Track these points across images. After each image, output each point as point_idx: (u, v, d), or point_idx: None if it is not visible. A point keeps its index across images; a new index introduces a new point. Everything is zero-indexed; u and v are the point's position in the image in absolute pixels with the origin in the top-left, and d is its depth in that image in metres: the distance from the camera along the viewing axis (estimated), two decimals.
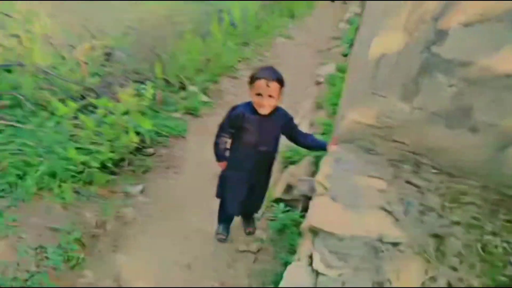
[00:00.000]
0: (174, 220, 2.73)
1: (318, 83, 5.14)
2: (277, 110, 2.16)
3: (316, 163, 3.09)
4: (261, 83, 1.99)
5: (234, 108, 2.24)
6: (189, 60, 4.79)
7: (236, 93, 4.88)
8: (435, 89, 1.89)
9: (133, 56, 4.40)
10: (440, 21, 1.74)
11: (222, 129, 2.30)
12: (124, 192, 2.87)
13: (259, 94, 2.02)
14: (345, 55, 6.56)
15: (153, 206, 2.83)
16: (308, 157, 3.12)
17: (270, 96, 2.02)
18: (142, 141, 3.41)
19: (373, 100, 2.02)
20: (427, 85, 1.89)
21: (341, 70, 5.43)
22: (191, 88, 4.46)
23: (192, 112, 4.15)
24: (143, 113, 3.63)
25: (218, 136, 2.33)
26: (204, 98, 4.45)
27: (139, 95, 3.75)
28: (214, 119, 4.16)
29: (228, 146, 2.34)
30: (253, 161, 2.25)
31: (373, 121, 2.08)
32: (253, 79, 2.03)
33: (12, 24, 3.91)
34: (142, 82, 3.91)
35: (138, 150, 3.40)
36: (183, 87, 4.51)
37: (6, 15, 3.79)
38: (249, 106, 2.13)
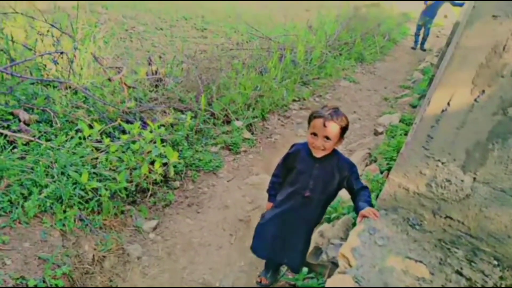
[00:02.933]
0: (180, 265, 2.53)
1: (378, 133, 4.77)
2: (334, 154, 2.01)
3: (355, 225, 2.73)
4: (318, 122, 1.87)
5: (292, 146, 2.15)
6: (240, 94, 4.75)
7: (283, 133, 4.70)
8: (506, 161, 1.53)
9: (183, 85, 4.47)
10: None
11: (278, 166, 2.25)
12: (135, 226, 2.75)
13: (314, 134, 1.91)
14: (414, 106, 6.12)
15: (162, 247, 2.66)
16: (348, 216, 2.77)
17: (326, 137, 1.87)
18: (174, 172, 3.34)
19: (427, 165, 1.70)
20: (497, 154, 1.54)
21: (406, 121, 5.03)
22: (236, 122, 4.38)
23: (231, 147, 4.03)
24: (177, 143, 3.59)
25: (274, 174, 2.28)
26: (247, 134, 4.33)
27: (177, 124, 3.75)
28: (253, 157, 4.01)
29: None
30: (292, 203, 2.10)
31: (424, 190, 1.75)
32: (311, 117, 1.94)
33: (65, 42, 4.20)
34: (182, 112, 3.90)
35: (165, 182, 3.32)
36: (228, 121, 4.44)
37: (63, 32, 4.06)
38: (307, 146, 2.01)
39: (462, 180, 1.66)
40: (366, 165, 3.77)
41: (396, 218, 1.83)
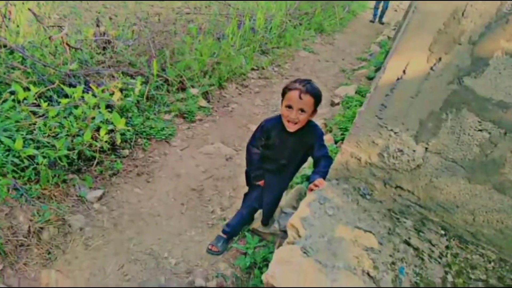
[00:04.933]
0: (127, 236, 2.39)
1: (334, 104, 4.76)
2: (309, 125, 2.00)
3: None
4: (293, 94, 1.85)
5: (265, 122, 2.13)
6: (196, 60, 4.51)
7: (241, 102, 4.56)
8: (459, 132, 1.51)
9: (133, 48, 4.15)
10: (480, 45, 1.36)
11: (252, 144, 2.21)
12: (78, 196, 2.55)
13: (289, 106, 1.88)
14: (370, 78, 6.17)
15: (107, 217, 2.50)
16: (301, 185, 2.74)
17: (301, 109, 1.87)
18: (122, 140, 3.12)
19: (379, 134, 1.65)
20: (450, 125, 1.51)
21: (361, 93, 5.05)
22: (191, 90, 4.16)
23: (185, 115, 3.84)
24: (126, 110, 3.35)
25: (250, 152, 2.24)
26: (203, 102, 4.15)
27: (127, 89, 3.49)
28: (208, 126, 3.86)
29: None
30: (268, 168, 2.22)
31: (375, 159, 1.71)
32: (286, 90, 1.90)
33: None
34: (132, 77, 3.63)
35: (113, 150, 3.10)
36: (183, 88, 4.22)
37: None
38: (280, 120, 2.00)
39: (414, 150, 1.63)
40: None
41: (347, 188, 1.79)
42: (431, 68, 1.49)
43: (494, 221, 1.57)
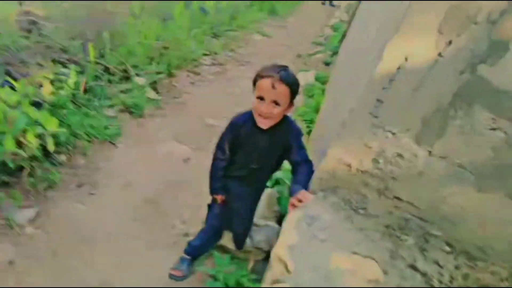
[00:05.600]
0: (69, 267, 1.96)
1: None
2: (284, 121, 1.68)
3: (281, 201, 2.42)
4: (265, 82, 1.53)
5: (234, 118, 1.78)
6: (140, 44, 4.01)
7: (194, 92, 4.15)
8: (469, 132, 1.27)
9: (66, 31, 3.56)
10: (501, 25, 1.11)
11: (219, 147, 1.83)
12: (4, 218, 2.06)
13: (260, 98, 1.56)
14: (327, 64, 6.00)
15: (44, 244, 2.04)
16: (272, 190, 2.44)
17: (274, 101, 1.55)
18: (56, 144, 2.62)
19: (374, 136, 1.37)
20: (460, 123, 1.26)
21: (322, 80, 4.84)
22: (137, 79, 3.68)
23: (132, 110, 3.37)
24: (60, 106, 2.83)
25: (215, 157, 1.86)
26: (152, 94, 3.69)
27: (59, 81, 2.96)
28: (160, 121, 3.43)
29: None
30: (238, 175, 1.85)
31: (369, 166, 1.44)
32: (257, 78, 1.58)
33: None
34: (65, 65, 3.09)
35: (47, 157, 2.60)
36: (127, 78, 3.72)
37: None
38: (251, 116, 1.67)
39: (415, 155, 1.38)
40: None
41: (337, 202, 1.51)
42: (439, 54, 1.22)
43: (506, 234, 1.38)
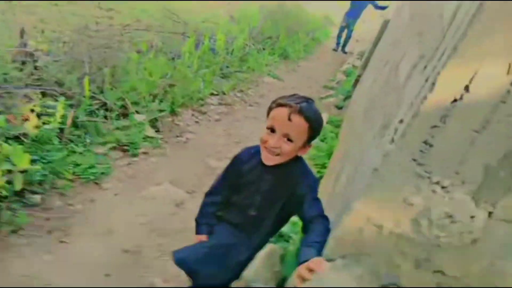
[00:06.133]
0: None
1: None
2: (296, 163, 1.37)
3: (285, 259, 2.01)
4: (280, 112, 1.25)
5: (239, 152, 1.51)
6: (144, 81, 3.80)
7: (198, 131, 3.86)
8: None
9: (63, 64, 3.37)
10: None
11: (217, 180, 1.56)
12: None
13: (271, 129, 1.28)
14: (339, 108, 5.75)
15: None
16: (273, 246, 2.04)
17: (287, 137, 1.25)
18: (30, 183, 2.31)
19: (417, 189, 1.02)
20: None
21: (335, 123, 4.55)
22: (136, 116, 3.42)
23: (126, 148, 3.07)
24: (43, 141, 2.54)
25: (209, 190, 1.58)
26: (150, 131, 3.41)
27: (48, 114, 2.70)
28: (156, 161, 3.11)
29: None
30: (232, 221, 1.50)
31: (407, 229, 1.07)
32: (272, 106, 1.31)
33: None
34: (57, 99, 2.85)
35: (21, 196, 2.27)
36: (125, 114, 3.46)
37: None
38: (258, 151, 1.39)
39: (472, 216, 1.01)
40: None
41: (361, 274, 1.13)
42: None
43: None
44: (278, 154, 1.28)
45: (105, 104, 3.36)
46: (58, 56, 3.55)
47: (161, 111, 3.74)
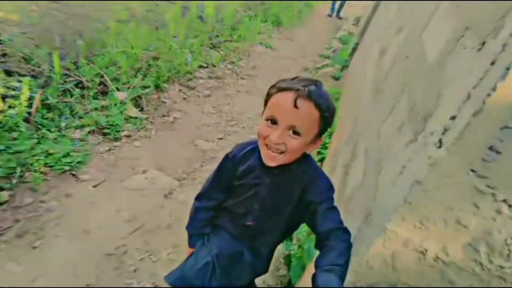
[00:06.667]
0: None
1: None
2: (304, 163, 1.10)
3: (291, 263, 1.78)
4: (283, 98, 0.97)
5: (233, 150, 1.21)
6: (124, 54, 3.44)
7: (186, 109, 3.55)
8: None
9: (31, 36, 2.99)
10: None
11: (207, 184, 1.28)
12: None
13: (272, 121, 1.00)
14: (336, 78, 5.45)
15: None
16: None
17: (292, 128, 0.98)
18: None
19: (476, 207, 0.77)
20: None
21: (333, 96, 4.24)
22: (117, 94, 3.09)
23: (106, 131, 2.76)
24: (9, 129, 2.23)
25: (198, 196, 1.31)
26: (133, 111, 3.09)
27: (14, 97, 2.37)
28: (141, 145, 2.82)
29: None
30: (226, 236, 1.26)
31: (459, 256, 0.82)
32: (272, 91, 1.02)
33: None
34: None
35: None
36: (104, 92, 3.13)
37: None
38: (257, 148, 1.13)
39: None
40: None
41: None
42: None
43: None
44: (282, 152, 1.01)
45: (81, 81, 3.01)
46: (25, 28, 3.16)
47: (144, 87, 3.41)
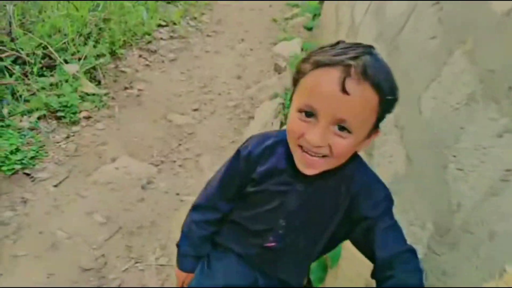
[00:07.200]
0: None
1: (280, 69, 3.58)
2: (350, 165, 0.81)
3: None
4: (323, 78, 0.66)
5: (248, 145, 0.89)
6: (69, 18, 2.92)
7: (151, 78, 3.13)
8: None
9: None
10: None
11: (209, 190, 0.98)
12: None
13: (307, 112, 0.70)
14: (309, 29, 5.09)
15: None
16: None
17: (339, 124, 0.68)
18: None
19: None
20: None
21: (310, 49, 3.93)
22: (66, 68, 2.62)
23: (60, 115, 2.34)
24: None
25: (196, 205, 1.01)
26: (89, 87, 2.65)
27: None
28: (104, 128, 2.43)
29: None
30: (241, 261, 0.98)
31: None
32: (305, 66, 0.71)
33: None
34: None
35: None
36: (50, 67, 2.65)
37: None
38: (285, 143, 0.81)
39: None
40: (282, 123, 2.58)
41: None
42: None
43: None
44: (324, 156, 0.73)
45: (19, 56, 2.51)
46: None
47: (98, 56, 2.94)
